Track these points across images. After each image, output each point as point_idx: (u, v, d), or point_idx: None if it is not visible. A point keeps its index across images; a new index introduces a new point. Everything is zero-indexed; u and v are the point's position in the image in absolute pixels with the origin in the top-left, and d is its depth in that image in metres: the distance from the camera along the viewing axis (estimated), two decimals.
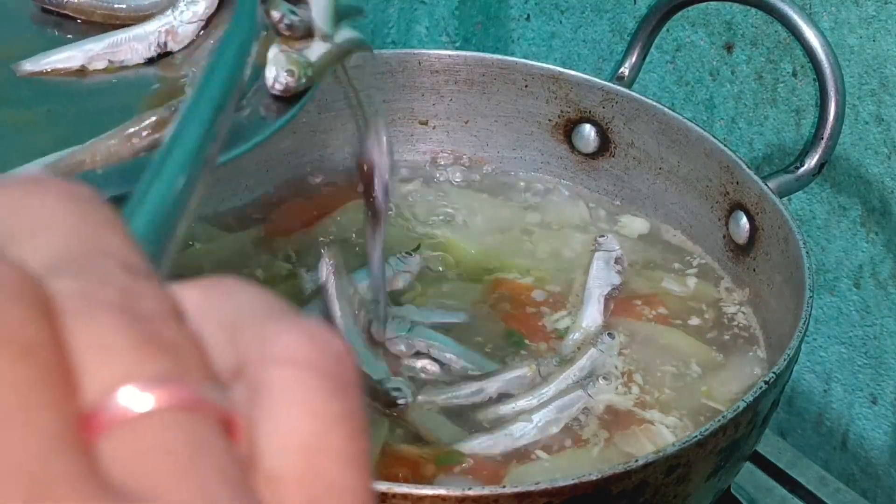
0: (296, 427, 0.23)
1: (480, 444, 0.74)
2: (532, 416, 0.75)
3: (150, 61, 0.63)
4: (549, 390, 0.77)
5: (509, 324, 0.82)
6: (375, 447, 0.70)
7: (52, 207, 0.24)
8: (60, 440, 0.21)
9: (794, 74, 0.91)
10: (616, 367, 0.79)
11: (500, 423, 0.75)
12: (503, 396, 0.77)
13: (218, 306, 0.24)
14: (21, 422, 0.21)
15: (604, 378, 0.78)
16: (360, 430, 0.23)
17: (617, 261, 0.86)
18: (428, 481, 0.70)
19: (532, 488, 0.62)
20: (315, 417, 0.23)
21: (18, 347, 0.22)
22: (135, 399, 0.22)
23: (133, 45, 0.63)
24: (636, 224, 0.90)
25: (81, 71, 0.62)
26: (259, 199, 0.90)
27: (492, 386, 0.77)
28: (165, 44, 0.64)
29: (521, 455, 0.74)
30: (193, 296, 0.24)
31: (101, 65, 0.63)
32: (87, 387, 0.22)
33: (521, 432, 0.75)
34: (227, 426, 0.23)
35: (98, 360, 0.22)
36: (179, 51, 0.64)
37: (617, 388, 0.78)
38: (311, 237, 0.88)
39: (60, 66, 0.62)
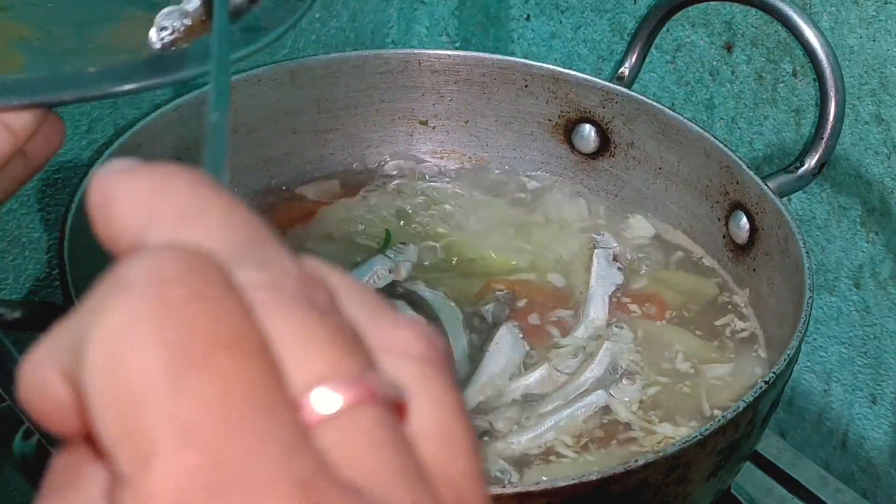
0: (429, 417, 0.24)
1: (503, 447, 0.74)
2: (554, 416, 0.75)
3: None
4: (572, 390, 0.77)
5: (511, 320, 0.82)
6: None
7: (195, 193, 0.25)
8: (297, 438, 0.22)
9: (794, 74, 0.91)
10: (636, 363, 0.79)
11: (523, 424, 0.75)
12: (527, 397, 0.77)
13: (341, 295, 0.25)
14: (262, 418, 0.22)
15: (627, 378, 0.78)
16: (471, 420, 0.25)
17: (616, 257, 0.86)
18: None
19: (532, 488, 0.62)
20: (442, 409, 0.24)
21: (230, 334, 0.22)
22: (332, 395, 0.23)
23: None
24: (644, 228, 0.90)
25: None
26: (258, 199, 0.90)
27: (516, 389, 0.77)
28: None
29: (541, 455, 0.74)
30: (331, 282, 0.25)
31: None
32: (291, 381, 0.23)
33: (541, 432, 0.75)
34: (397, 411, 0.24)
35: (300, 355, 0.23)
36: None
37: (643, 388, 0.78)
38: (305, 234, 0.88)
39: None
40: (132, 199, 0.24)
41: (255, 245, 0.24)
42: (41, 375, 0.24)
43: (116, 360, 0.22)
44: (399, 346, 0.25)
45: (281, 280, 0.24)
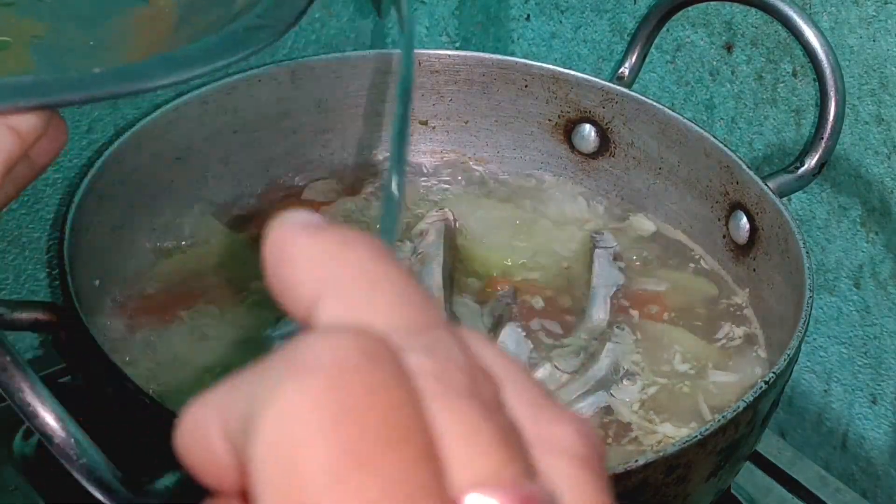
0: None
1: None
2: None
3: None
4: (574, 389, 0.77)
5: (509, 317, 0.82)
6: None
7: (372, 267, 0.25)
8: None
9: (794, 74, 0.91)
10: (637, 364, 0.79)
11: None
12: None
13: (503, 385, 0.25)
14: None
15: (627, 379, 0.78)
16: None
17: (616, 257, 0.86)
18: None
19: None
20: None
21: (400, 431, 0.22)
22: (490, 502, 0.23)
23: None
24: (644, 228, 0.90)
25: None
26: (258, 199, 0.90)
27: None
28: None
29: None
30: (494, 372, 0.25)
31: None
32: (451, 480, 0.23)
33: None
34: None
35: (463, 454, 0.23)
36: None
37: (643, 389, 0.78)
38: None
39: None
40: (307, 263, 0.25)
41: (425, 328, 0.24)
42: (203, 430, 0.24)
43: (286, 446, 0.22)
44: (557, 443, 0.25)
45: (450, 370, 0.24)
